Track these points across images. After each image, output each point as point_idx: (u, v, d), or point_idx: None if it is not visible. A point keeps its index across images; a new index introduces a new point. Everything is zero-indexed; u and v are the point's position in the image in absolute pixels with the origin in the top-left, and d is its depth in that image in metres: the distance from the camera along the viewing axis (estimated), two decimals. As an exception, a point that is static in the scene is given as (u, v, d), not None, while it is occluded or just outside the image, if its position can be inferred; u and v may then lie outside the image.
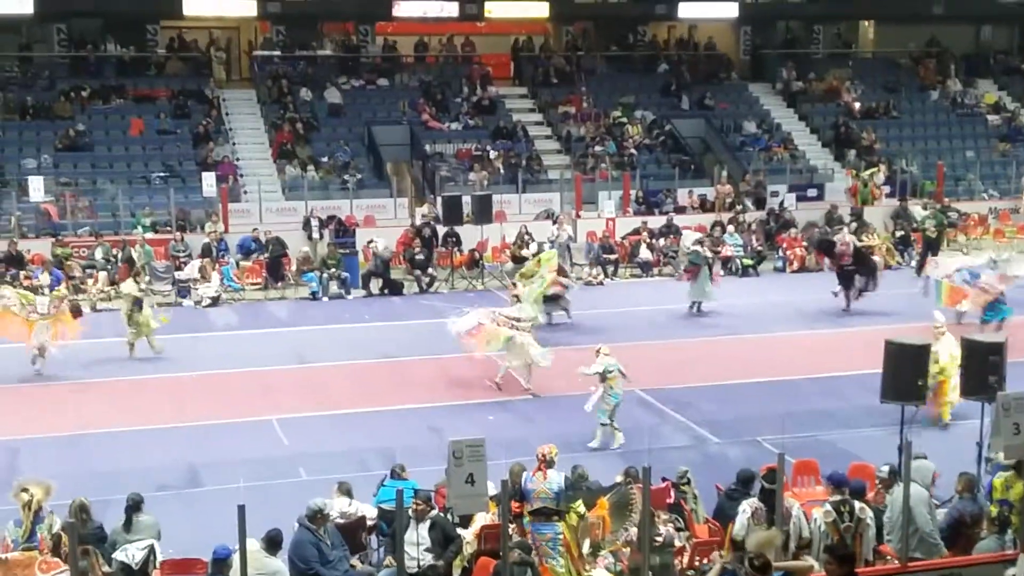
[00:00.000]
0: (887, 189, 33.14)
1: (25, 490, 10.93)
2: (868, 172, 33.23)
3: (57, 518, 10.85)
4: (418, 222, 28.49)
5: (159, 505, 12.10)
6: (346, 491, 11.90)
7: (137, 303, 20.45)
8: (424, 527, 10.80)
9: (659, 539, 10.83)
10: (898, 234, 29.92)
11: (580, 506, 11.22)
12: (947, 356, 15.53)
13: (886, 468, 11.93)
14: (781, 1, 40.24)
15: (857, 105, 37.41)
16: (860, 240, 25.75)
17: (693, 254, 23.91)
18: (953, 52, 40.77)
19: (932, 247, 27.62)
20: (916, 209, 30.74)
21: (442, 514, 11.11)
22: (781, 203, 31.44)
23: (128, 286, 21.07)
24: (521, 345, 18.10)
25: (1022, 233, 31.69)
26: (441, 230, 27.93)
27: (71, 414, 17.52)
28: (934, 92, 39.07)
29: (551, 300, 21.60)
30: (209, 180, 28.33)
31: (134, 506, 11.10)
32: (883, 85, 39.06)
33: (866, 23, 42.50)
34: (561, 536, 11.04)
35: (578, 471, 11.87)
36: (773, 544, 9.22)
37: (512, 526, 10.80)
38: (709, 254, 24.06)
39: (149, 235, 27.24)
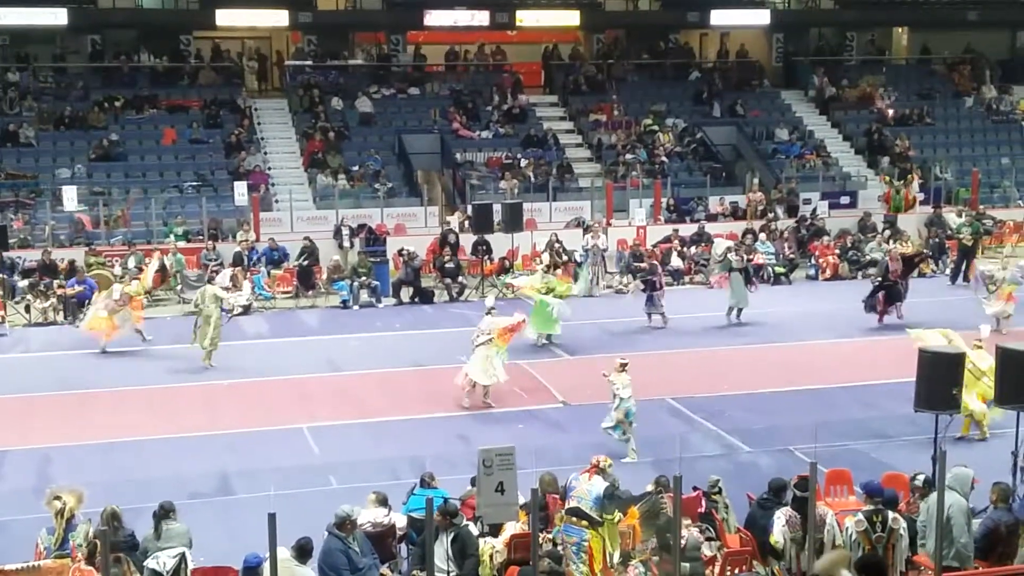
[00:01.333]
0: (921, 196, 32.88)
1: (58, 498, 10.98)
2: (901, 181, 33.01)
3: (90, 526, 10.89)
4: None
5: (191, 513, 12.12)
6: (381, 500, 11.86)
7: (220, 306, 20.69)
8: (447, 538, 10.74)
9: (681, 542, 10.74)
10: (932, 242, 29.65)
11: (616, 516, 11.16)
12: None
13: (921, 477, 11.82)
14: (814, 8, 40.09)
15: (891, 112, 37.19)
16: (891, 246, 25.56)
17: (724, 261, 23.80)
18: (988, 58, 40.46)
19: (968, 255, 27.43)
20: (951, 216, 30.48)
21: (469, 526, 11.04)
22: (814, 211, 31.25)
23: (216, 289, 21.28)
24: (487, 358, 17.91)
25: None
26: (471, 238, 27.95)
27: (104, 422, 17.61)
28: (969, 99, 38.75)
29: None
30: (241, 189, 28.48)
31: (164, 514, 11.11)
32: (917, 92, 38.82)
33: (899, 29, 42.23)
34: (587, 543, 10.98)
35: (613, 485, 11.71)
36: (843, 563, 9.02)
37: (542, 535, 10.76)
38: (740, 259, 23.89)
39: (181, 244, 27.39)
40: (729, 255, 23.90)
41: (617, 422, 15.38)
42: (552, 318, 21.53)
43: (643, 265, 25.25)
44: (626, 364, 15.59)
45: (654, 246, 28.81)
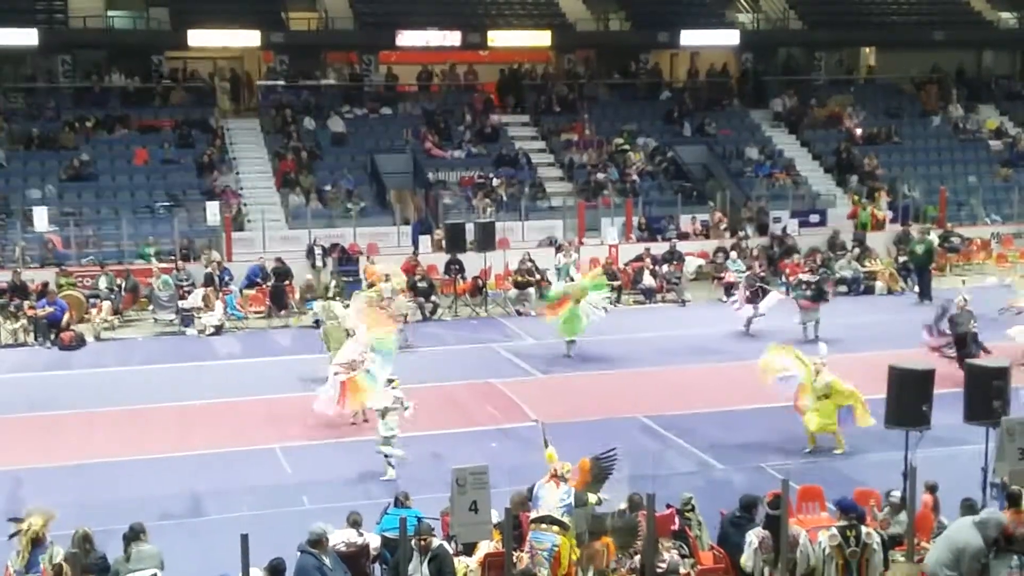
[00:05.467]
0: (890, 215, 33.17)
1: (21, 520, 10.92)
2: (869, 199, 33.33)
3: (60, 548, 10.83)
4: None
5: (162, 534, 12.07)
6: (354, 522, 11.86)
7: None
8: (424, 559, 10.73)
9: (663, 566, 10.80)
10: (901, 259, 29.92)
11: (582, 533, 11.21)
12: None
13: (896, 494, 11.92)
14: (782, 29, 40.46)
15: (859, 131, 37.52)
16: (863, 265, 25.80)
17: (797, 287, 24.08)
18: (954, 78, 40.90)
19: (923, 271, 27.69)
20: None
21: (446, 547, 11.04)
22: (784, 229, 31.47)
23: (338, 306, 20.85)
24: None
25: (1025, 258, 31.68)
26: (444, 258, 28.00)
27: (75, 443, 17.52)
28: (936, 117, 39.16)
29: None
30: (213, 209, 28.43)
31: (134, 535, 11.05)
32: (885, 111, 39.19)
33: (867, 50, 42.69)
34: (556, 549, 11.02)
35: (582, 496, 11.78)
36: None
37: (516, 553, 10.78)
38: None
39: (152, 264, 27.29)
40: (801, 276, 24.36)
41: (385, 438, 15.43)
42: (580, 319, 21.72)
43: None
44: (393, 380, 15.91)
45: (626, 265, 28.95)
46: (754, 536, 11.04)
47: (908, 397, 12.92)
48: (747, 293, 24.31)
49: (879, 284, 28.83)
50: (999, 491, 12.28)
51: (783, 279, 28.91)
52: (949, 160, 37.67)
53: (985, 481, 12.74)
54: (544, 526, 11.15)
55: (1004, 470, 10.87)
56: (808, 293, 23.82)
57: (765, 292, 24.26)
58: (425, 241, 29.48)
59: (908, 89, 40.77)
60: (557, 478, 11.41)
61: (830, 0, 41.43)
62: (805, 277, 24.29)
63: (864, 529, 10.66)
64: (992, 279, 27.22)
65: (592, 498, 11.44)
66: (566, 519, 11.15)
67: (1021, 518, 10.87)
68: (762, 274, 25.54)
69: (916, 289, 28.02)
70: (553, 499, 11.21)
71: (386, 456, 15.54)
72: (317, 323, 25.42)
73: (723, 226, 31.56)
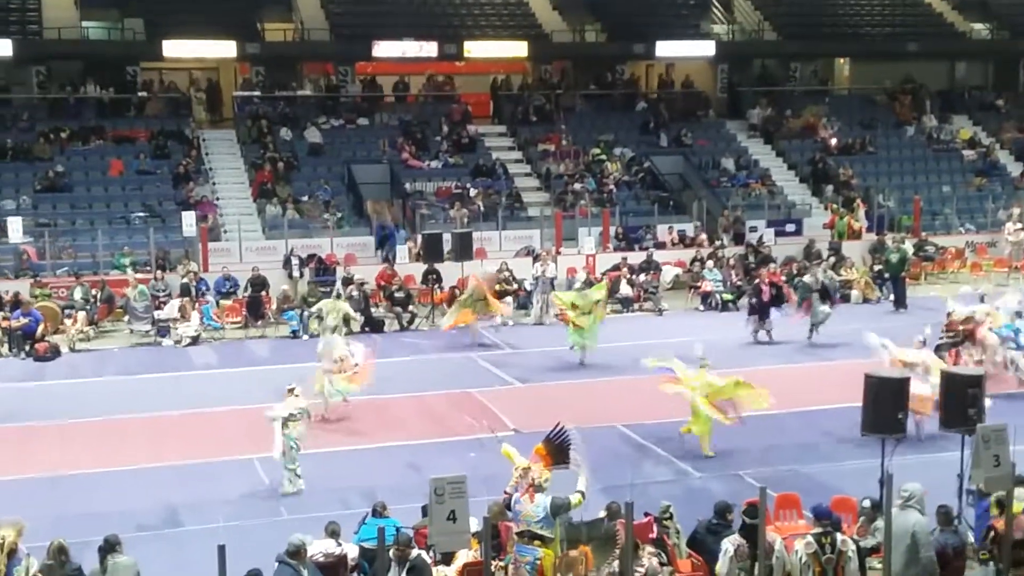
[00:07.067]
0: (865, 224, 33.38)
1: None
2: (847, 208, 33.55)
3: (35, 560, 10.75)
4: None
5: (139, 546, 11.98)
6: (332, 532, 11.82)
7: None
8: (402, 569, 10.70)
9: (641, 570, 10.80)
10: (876, 268, 30.11)
11: (561, 541, 11.19)
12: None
13: (867, 501, 11.96)
14: (757, 40, 40.69)
15: (834, 141, 37.75)
16: (839, 274, 25.89)
17: (802, 287, 24.44)
18: (928, 88, 41.22)
19: (897, 280, 27.89)
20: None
21: (424, 556, 11.01)
22: (760, 238, 31.62)
23: (347, 307, 21.86)
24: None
25: (999, 267, 31.91)
26: (421, 267, 27.99)
27: (50, 455, 17.37)
28: (910, 128, 39.46)
29: None
30: (189, 220, 28.33)
31: (109, 547, 10.98)
32: (859, 121, 39.44)
33: (841, 61, 43.01)
34: (539, 562, 11.01)
35: (557, 500, 11.68)
36: None
37: (494, 563, 10.76)
38: (814, 280, 24.53)
39: (129, 275, 27.17)
40: (805, 279, 24.72)
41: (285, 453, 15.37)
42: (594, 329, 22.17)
43: None
44: (293, 388, 15.94)
45: (603, 274, 29.00)
46: (729, 544, 11.05)
47: (884, 405, 13.03)
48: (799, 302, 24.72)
49: (855, 293, 28.96)
50: (975, 497, 12.36)
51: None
52: (923, 170, 37.97)
53: (961, 488, 12.83)
54: (526, 540, 11.13)
55: (980, 477, 10.95)
56: (815, 294, 24.07)
57: (827, 295, 24.41)
58: (403, 251, 29.50)
59: (882, 100, 41.06)
60: (532, 488, 11.37)
61: (805, 12, 41.71)
62: (808, 279, 24.64)
63: (839, 537, 10.70)
64: (966, 288, 27.38)
65: (574, 498, 11.33)
66: (546, 532, 11.11)
67: (1019, 522, 10.98)
68: (830, 279, 25.64)
69: (891, 298, 28.19)
70: (530, 512, 11.17)
71: (289, 467, 15.35)
72: (294, 333, 25.51)
73: (702, 237, 31.67)
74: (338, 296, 23.73)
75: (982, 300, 21.35)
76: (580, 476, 11.50)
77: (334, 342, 19.38)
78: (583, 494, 11.38)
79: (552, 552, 11.06)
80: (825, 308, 24.31)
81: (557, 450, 11.63)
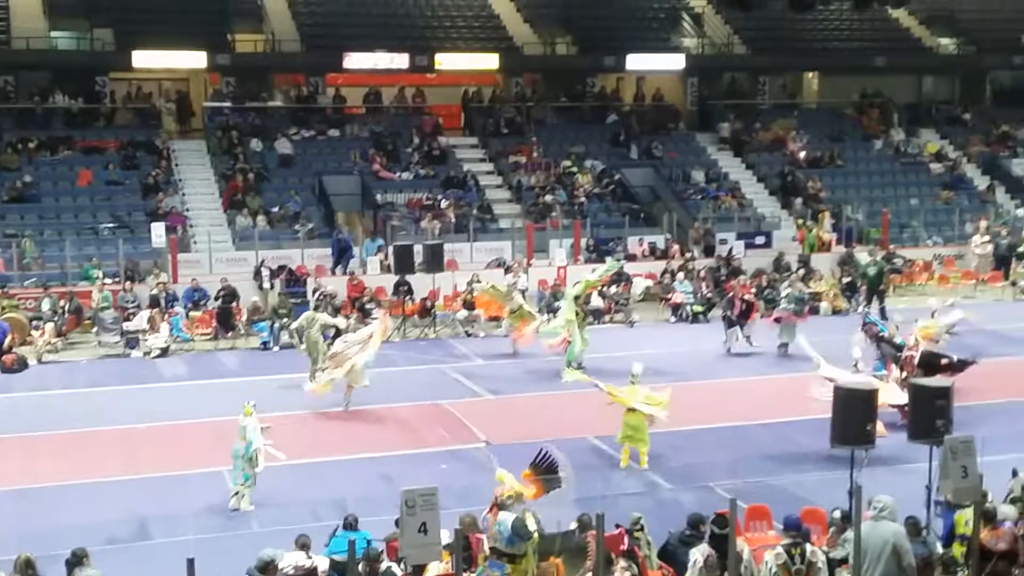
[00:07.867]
0: (834, 236, 33.63)
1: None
2: (813, 220, 33.80)
3: (2, 573, 10.66)
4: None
5: (107, 559, 11.90)
6: (302, 545, 11.78)
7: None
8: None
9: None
10: (845, 280, 30.32)
11: (525, 548, 11.19)
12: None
13: (838, 512, 12.03)
14: (726, 54, 40.95)
15: (803, 154, 38.01)
16: (808, 286, 26.01)
17: (788, 296, 24.76)
18: (895, 102, 41.61)
19: (873, 292, 28.14)
20: (862, 256, 31.17)
21: (394, 569, 10.98)
22: (730, 251, 31.76)
23: (325, 317, 22.47)
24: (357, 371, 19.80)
25: (967, 279, 32.20)
26: (392, 279, 27.96)
27: (17, 467, 17.22)
28: (878, 141, 39.79)
29: None
30: (158, 230, 28.20)
31: (77, 561, 10.90)
32: (828, 135, 39.74)
33: (810, 75, 43.37)
34: None
35: (517, 521, 11.57)
36: None
37: (465, 574, 10.74)
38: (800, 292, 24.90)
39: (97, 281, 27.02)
40: (790, 290, 24.98)
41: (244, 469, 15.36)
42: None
43: None
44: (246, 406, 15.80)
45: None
46: (699, 554, 11.08)
47: (853, 416, 13.12)
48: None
49: (824, 305, 29.12)
50: (943, 508, 12.46)
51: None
52: (891, 183, 38.29)
53: (929, 499, 12.93)
54: (495, 555, 11.12)
55: (948, 488, 11.04)
56: (792, 307, 24.13)
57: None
58: (374, 262, 29.46)
59: (850, 114, 41.41)
60: (496, 507, 11.38)
61: (774, 26, 41.98)
62: (791, 291, 24.94)
63: (809, 548, 10.76)
64: (933, 300, 27.59)
65: (530, 523, 11.27)
66: (512, 549, 11.09)
67: (999, 533, 11.07)
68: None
69: (860, 310, 28.34)
70: (492, 532, 11.18)
71: (241, 484, 15.33)
72: (265, 345, 25.41)
73: (673, 249, 31.79)
74: (316, 308, 23.77)
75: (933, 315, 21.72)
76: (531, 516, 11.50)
77: (319, 317, 21.51)
78: (535, 524, 11.36)
79: (519, 569, 11.03)
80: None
81: (546, 472, 11.66)
